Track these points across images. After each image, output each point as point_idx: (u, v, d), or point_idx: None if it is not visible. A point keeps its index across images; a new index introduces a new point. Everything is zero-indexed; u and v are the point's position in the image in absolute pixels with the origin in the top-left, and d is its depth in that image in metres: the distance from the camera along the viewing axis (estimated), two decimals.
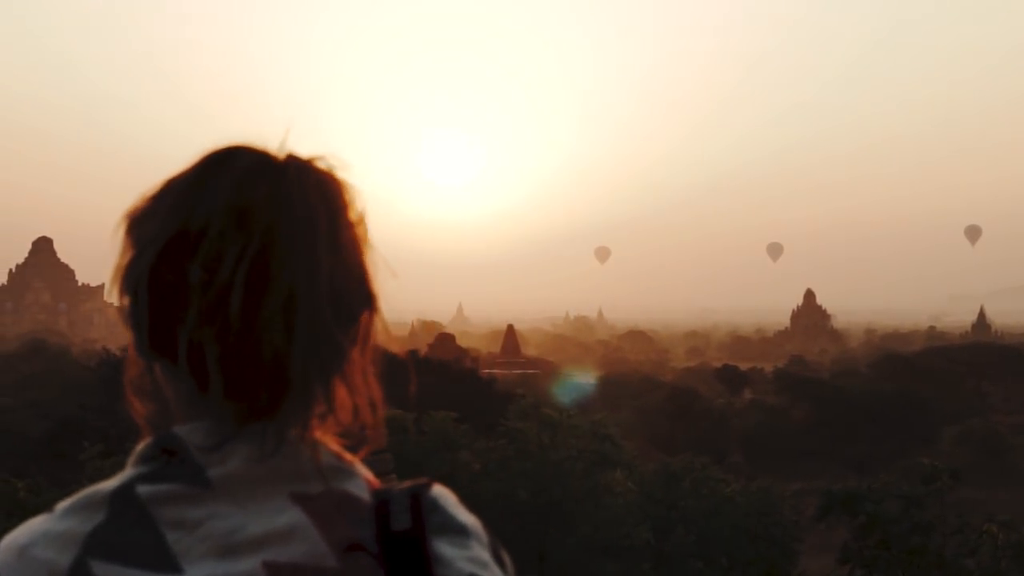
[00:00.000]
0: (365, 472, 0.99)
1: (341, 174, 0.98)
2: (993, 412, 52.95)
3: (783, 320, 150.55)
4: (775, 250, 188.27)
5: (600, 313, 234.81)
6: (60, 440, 26.99)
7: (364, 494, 0.96)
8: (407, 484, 0.98)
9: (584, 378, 53.42)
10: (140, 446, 0.95)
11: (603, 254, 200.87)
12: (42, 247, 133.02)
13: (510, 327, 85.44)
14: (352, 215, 0.97)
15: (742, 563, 22.67)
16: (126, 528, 0.89)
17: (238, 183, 0.93)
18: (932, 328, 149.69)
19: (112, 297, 0.96)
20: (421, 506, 0.95)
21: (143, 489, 0.90)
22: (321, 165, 0.97)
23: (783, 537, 23.46)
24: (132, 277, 0.94)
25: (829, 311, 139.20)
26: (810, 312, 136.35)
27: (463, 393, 33.59)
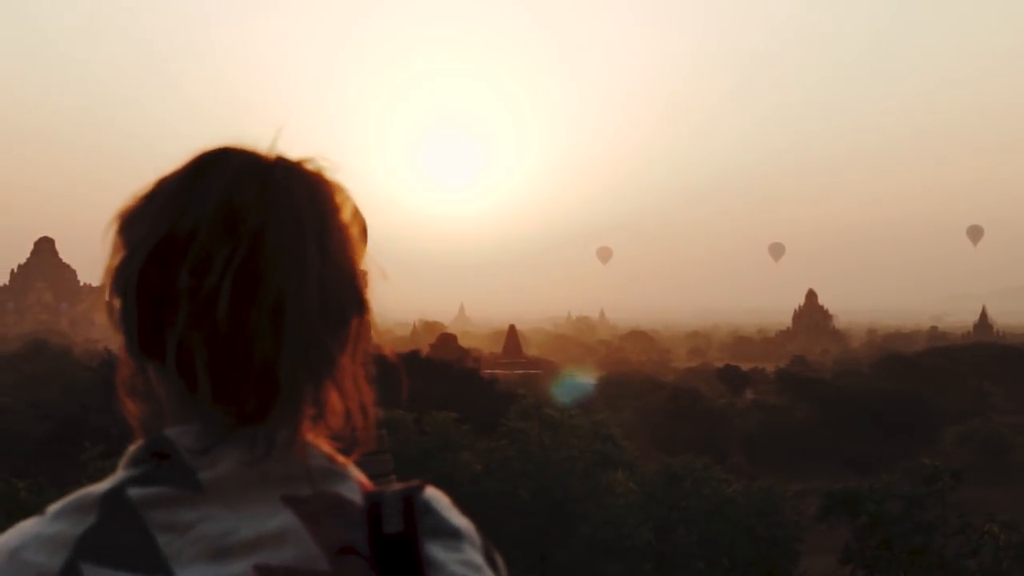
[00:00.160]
0: (357, 474, 0.98)
1: (331, 175, 0.97)
2: (995, 412, 52.91)
3: (785, 320, 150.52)
4: (777, 250, 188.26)
5: (602, 313, 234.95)
6: (61, 440, 26.99)
7: (356, 497, 0.95)
8: (400, 486, 0.98)
9: (583, 378, 53.39)
10: (131, 449, 0.94)
11: (605, 254, 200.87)
12: (44, 247, 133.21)
13: (512, 327, 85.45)
14: (343, 217, 0.96)
15: (743, 563, 22.66)
16: (117, 531, 0.88)
17: (226, 186, 0.92)
18: (934, 328, 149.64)
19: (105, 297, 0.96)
20: (413, 509, 0.95)
21: (134, 492, 0.90)
22: (310, 167, 0.97)
23: (784, 537, 23.45)
24: (122, 279, 0.94)
25: (831, 311, 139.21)
26: (812, 312, 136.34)
27: (464, 393, 33.62)
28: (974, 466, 36.18)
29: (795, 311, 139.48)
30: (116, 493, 0.90)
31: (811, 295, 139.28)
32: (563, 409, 24.96)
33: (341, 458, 0.97)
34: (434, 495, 0.98)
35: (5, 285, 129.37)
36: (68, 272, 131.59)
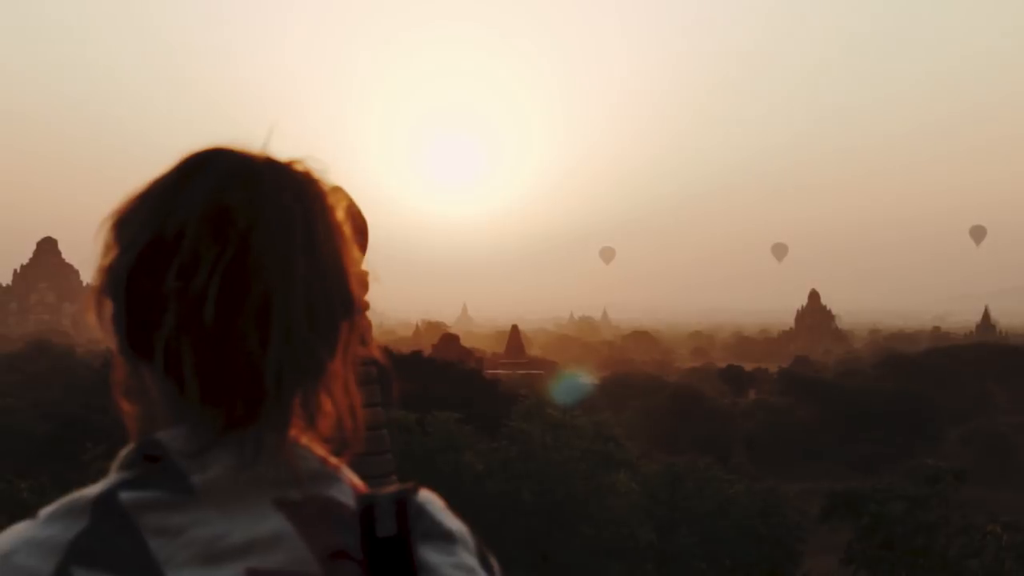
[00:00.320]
0: (350, 477, 0.97)
1: (322, 176, 0.97)
2: (997, 412, 52.88)
3: (787, 320, 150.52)
4: (780, 250, 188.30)
5: (605, 313, 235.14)
6: (64, 440, 27.01)
7: (349, 499, 0.94)
8: (393, 489, 0.97)
9: (584, 378, 53.39)
10: (123, 451, 0.94)
11: (608, 255, 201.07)
12: (47, 247, 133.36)
13: (514, 327, 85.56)
14: (334, 218, 0.95)
15: (746, 564, 22.67)
16: (109, 535, 0.88)
17: (214, 187, 0.91)
18: (936, 328, 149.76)
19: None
20: (406, 512, 0.94)
21: (125, 496, 0.89)
22: (300, 167, 0.96)
23: (787, 538, 23.48)
24: (112, 280, 0.94)
25: (833, 311, 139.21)
26: (814, 312, 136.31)
27: (467, 393, 33.62)
28: (976, 466, 36.11)
29: (798, 311, 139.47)
30: (108, 497, 0.90)
31: (814, 295, 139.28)
32: (565, 409, 24.99)
33: (334, 460, 0.97)
34: (427, 498, 0.97)
35: (8, 285, 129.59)
36: (71, 272, 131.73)
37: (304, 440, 0.95)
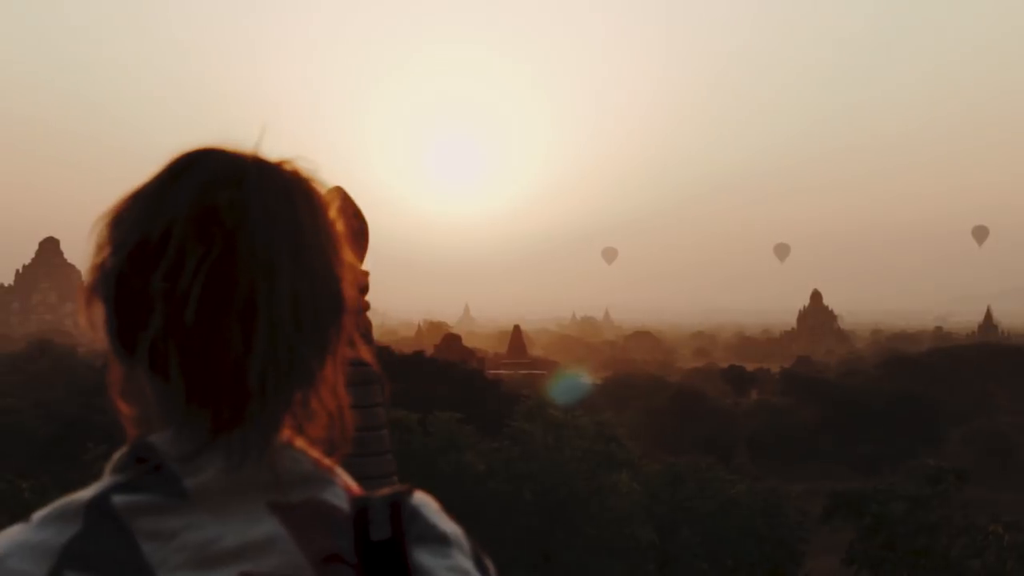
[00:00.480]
0: (344, 479, 0.97)
1: (312, 176, 0.96)
2: (999, 413, 52.91)
3: (790, 321, 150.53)
4: (782, 251, 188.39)
5: (607, 313, 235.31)
6: (65, 440, 27.05)
7: (342, 502, 0.94)
8: (387, 491, 0.97)
9: (585, 378, 53.41)
10: (117, 454, 0.94)
11: (610, 255, 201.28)
12: (48, 248, 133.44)
13: (516, 328, 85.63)
14: (324, 219, 0.95)
15: (748, 564, 22.67)
16: (102, 539, 0.87)
17: (202, 187, 0.91)
18: (938, 329, 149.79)
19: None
20: (401, 514, 0.94)
21: (119, 499, 0.89)
22: (289, 167, 0.95)
23: (789, 538, 23.47)
24: (102, 281, 0.93)
25: (836, 312, 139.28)
26: (816, 313, 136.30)
27: (469, 394, 33.63)
28: (978, 467, 36.14)
29: (800, 311, 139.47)
30: (101, 500, 0.89)
31: (816, 296, 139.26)
32: (567, 410, 24.99)
33: (327, 462, 0.96)
34: (422, 500, 0.97)
35: (10, 285, 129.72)
36: (73, 272, 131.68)
37: (298, 442, 0.94)
